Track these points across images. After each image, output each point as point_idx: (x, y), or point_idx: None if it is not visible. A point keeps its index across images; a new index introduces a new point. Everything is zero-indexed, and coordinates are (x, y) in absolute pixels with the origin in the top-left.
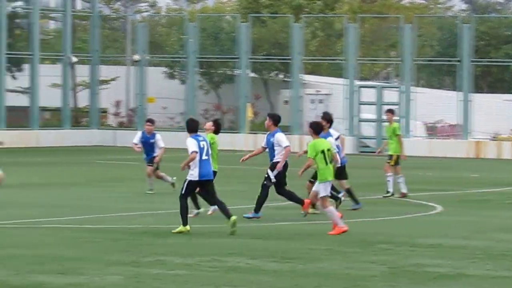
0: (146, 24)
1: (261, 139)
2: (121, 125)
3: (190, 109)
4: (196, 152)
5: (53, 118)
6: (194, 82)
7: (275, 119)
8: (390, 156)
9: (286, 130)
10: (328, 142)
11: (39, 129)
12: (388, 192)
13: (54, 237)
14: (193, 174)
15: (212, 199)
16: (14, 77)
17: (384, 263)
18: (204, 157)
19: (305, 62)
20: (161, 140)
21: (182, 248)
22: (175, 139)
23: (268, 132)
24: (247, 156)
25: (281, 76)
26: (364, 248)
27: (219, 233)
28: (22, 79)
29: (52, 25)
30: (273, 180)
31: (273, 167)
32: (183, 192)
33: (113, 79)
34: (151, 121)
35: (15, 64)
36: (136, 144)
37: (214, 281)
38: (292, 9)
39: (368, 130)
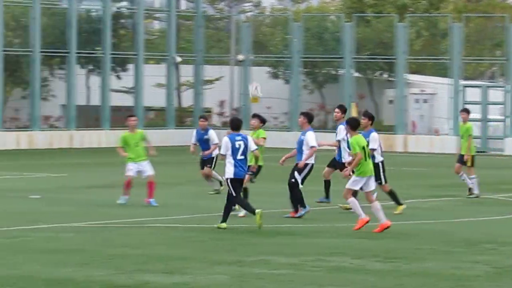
0: (250, 24)
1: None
2: (225, 125)
3: (294, 109)
4: (223, 155)
5: (157, 118)
6: (298, 81)
7: (309, 117)
8: (462, 156)
9: (390, 130)
10: (364, 139)
11: (143, 129)
12: (471, 191)
13: (159, 236)
14: (229, 172)
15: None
16: (118, 77)
17: (488, 263)
18: (239, 156)
19: (410, 62)
20: (215, 135)
21: (287, 247)
22: (279, 138)
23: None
24: (284, 157)
25: (385, 75)
26: (468, 248)
27: (323, 233)
28: (127, 79)
29: (156, 25)
30: (301, 186)
31: (299, 168)
32: (233, 193)
33: (217, 79)
34: (204, 117)
35: (119, 64)
36: (194, 144)
37: (318, 280)
38: (397, 8)
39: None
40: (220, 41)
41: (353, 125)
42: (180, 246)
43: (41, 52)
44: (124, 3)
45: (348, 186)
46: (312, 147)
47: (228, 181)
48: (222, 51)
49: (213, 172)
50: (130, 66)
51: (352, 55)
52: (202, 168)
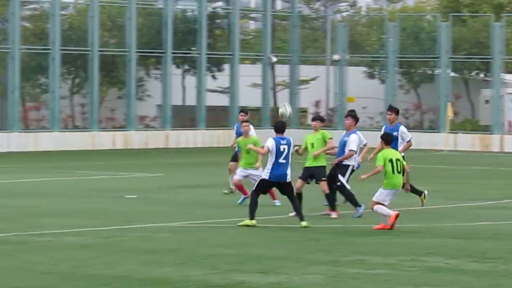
0: (346, 23)
1: (461, 139)
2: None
3: None
4: (268, 150)
5: (252, 118)
6: (394, 81)
7: (357, 120)
8: None
9: (486, 129)
10: (399, 153)
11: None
12: None
13: (254, 236)
14: (267, 173)
15: (292, 200)
16: (214, 77)
17: None
18: (281, 160)
19: (506, 62)
20: (253, 131)
21: (382, 247)
22: (375, 138)
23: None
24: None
25: (481, 75)
26: None
27: (418, 233)
28: (222, 79)
29: (252, 25)
30: (348, 187)
31: (342, 171)
32: (254, 188)
33: (312, 79)
34: (244, 111)
35: (215, 64)
36: (236, 137)
37: (413, 280)
38: (493, 8)
39: None
40: (316, 41)
41: (387, 140)
42: (275, 246)
43: (137, 52)
44: (219, 3)
45: (375, 198)
46: (350, 150)
47: (261, 180)
48: (318, 51)
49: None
50: (226, 66)
51: (448, 54)
52: (232, 161)
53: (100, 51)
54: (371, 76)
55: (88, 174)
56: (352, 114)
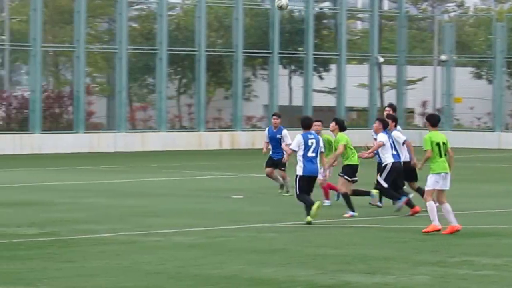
0: (453, 24)
1: None
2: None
3: (497, 109)
4: (294, 151)
5: (359, 119)
6: (501, 82)
7: (384, 124)
8: None
9: None
10: (444, 136)
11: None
12: None
13: (359, 236)
14: (299, 169)
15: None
16: (321, 78)
17: None
18: (310, 153)
19: None
20: (288, 136)
21: (491, 248)
22: (482, 139)
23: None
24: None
25: None
26: None
27: None
28: (329, 80)
29: (359, 25)
30: (385, 185)
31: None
32: (296, 190)
33: (419, 79)
34: (277, 114)
35: (322, 64)
36: (266, 142)
37: None
38: None
39: None
40: (423, 41)
41: (432, 122)
42: (381, 246)
43: (244, 52)
44: (326, 3)
45: (427, 187)
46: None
47: (297, 178)
48: (425, 51)
49: (275, 174)
50: (333, 67)
51: None
52: (268, 167)
53: (207, 51)
54: (478, 76)
55: (195, 174)
56: (381, 118)
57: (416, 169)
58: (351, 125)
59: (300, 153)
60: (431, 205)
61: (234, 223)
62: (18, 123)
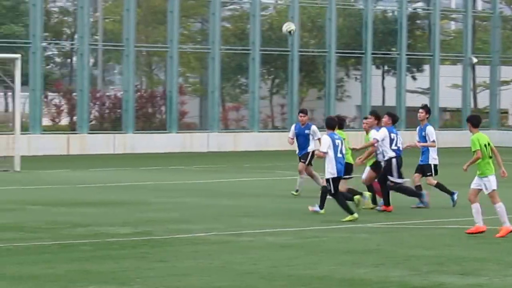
0: None
1: None
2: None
3: None
4: (326, 153)
5: (452, 119)
6: None
7: (394, 118)
8: None
9: None
10: (487, 137)
11: (439, 130)
12: None
13: (452, 237)
14: (331, 171)
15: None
16: (414, 78)
17: None
18: (339, 154)
19: None
20: (317, 132)
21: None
22: None
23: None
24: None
25: None
26: None
27: None
28: (422, 80)
29: (452, 25)
30: (399, 180)
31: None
32: (331, 191)
33: None
34: (304, 111)
35: (415, 64)
36: (292, 138)
37: None
38: None
39: None
40: None
41: (474, 123)
42: (475, 247)
43: (337, 52)
44: (420, 4)
45: (489, 190)
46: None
47: (330, 180)
48: None
49: (312, 171)
50: (426, 67)
51: None
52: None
53: (300, 51)
54: None
55: (287, 174)
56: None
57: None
58: (444, 125)
59: (331, 153)
60: (476, 207)
61: (327, 223)
62: (111, 122)
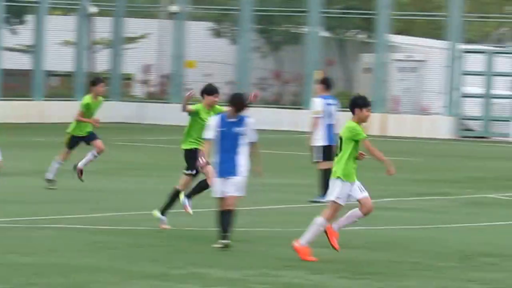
0: None
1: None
2: (150, 97)
3: (242, 78)
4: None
5: (62, 86)
6: (248, 42)
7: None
8: None
9: None
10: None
11: (43, 100)
12: None
13: (60, 240)
14: None
15: None
16: (14, 32)
17: (487, 283)
18: None
19: (394, 19)
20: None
21: (225, 257)
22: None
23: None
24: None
25: (362, 36)
26: (462, 262)
27: (273, 239)
28: (25, 34)
29: None
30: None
31: None
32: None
33: (142, 37)
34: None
35: (15, 14)
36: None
37: None
38: None
39: (473, 108)
40: None
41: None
42: (88, 253)
43: None
44: None
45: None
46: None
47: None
48: (150, 0)
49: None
50: (29, 18)
51: (320, 8)
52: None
53: None
54: (218, 34)
55: None
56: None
57: None
58: (52, 94)
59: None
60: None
61: None
62: None
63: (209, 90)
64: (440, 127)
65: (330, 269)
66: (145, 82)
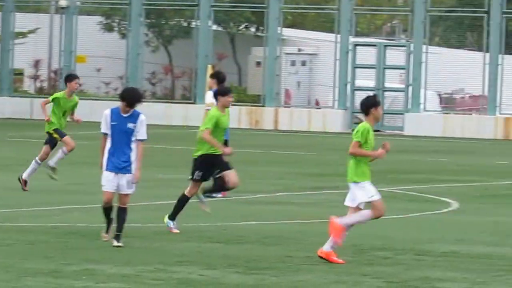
0: None
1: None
2: (40, 92)
3: (133, 72)
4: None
5: None
6: (138, 36)
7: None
8: None
9: (257, 100)
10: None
11: None
12: None
13: None
14: None
15: None
16: None
17: (381, 276)
18: None
19: (285, 12)
20: None
21: (119, 254)
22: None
23: None
24: None
25: (252, 29)
26: (356, 256)
27: (166, 235)
28: None
29: None
30: None
31: None
32: None
33: (31, 31)
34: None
35: None
36: None
37: None
38: None
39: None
40: None
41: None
42: None
43: None
44: None
45: None
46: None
47: None
48: None
49: None
50: None
51: (210, 2)
52: None
53: None
54: (109, 28)
55: None
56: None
57: None
58: None
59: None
60: None
61: None
62: None
63: (223, 91)
64: (332, 120)
65: (224, 265)
66: (35, 78)
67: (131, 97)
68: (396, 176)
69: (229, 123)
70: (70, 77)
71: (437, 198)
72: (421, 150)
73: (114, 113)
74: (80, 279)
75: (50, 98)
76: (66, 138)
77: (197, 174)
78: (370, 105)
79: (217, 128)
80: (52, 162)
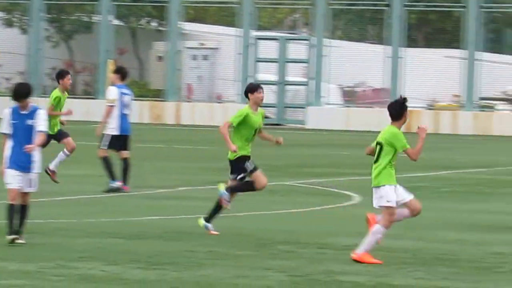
0: None
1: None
2: None
3: (34, 67)
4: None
5: None
6: (39, 31)
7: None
8: None
9: (159, 95)
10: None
11: None
12: None
13: None
14: None
15: None
16: None
17: (283, 270)
18: None
19: (186, 6)
20: None
21: (21, 250)
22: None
23: None
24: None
25: (154, 24)
26: (259, 250)
27: (69, 231)
28: None
29: None
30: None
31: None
32: None
33: None
34: None
35: None
36: None
37: None
38: None
39: (267, 95)
40: None
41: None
42: None
43: None
44: None
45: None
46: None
47: None
48: None
49: None
50: None
51: None
52: None
53: None
54: (9, 24)
55: None
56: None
57: None
58: None
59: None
60: None
61: None
62: None
63: (252, 88)
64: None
65: (125, 260)
66: None
67: (16, 91)
68: (298, 169)
69: (261, 124)
70: (63, 74)
71: (339, 191)
72: (323, 143)
73: (15, 111)
74: None
75: (52, 100)
76: (68, 139)
77: (248, 165)
78: (404, 108)
79: (246, 125)
80: (52, 165)
